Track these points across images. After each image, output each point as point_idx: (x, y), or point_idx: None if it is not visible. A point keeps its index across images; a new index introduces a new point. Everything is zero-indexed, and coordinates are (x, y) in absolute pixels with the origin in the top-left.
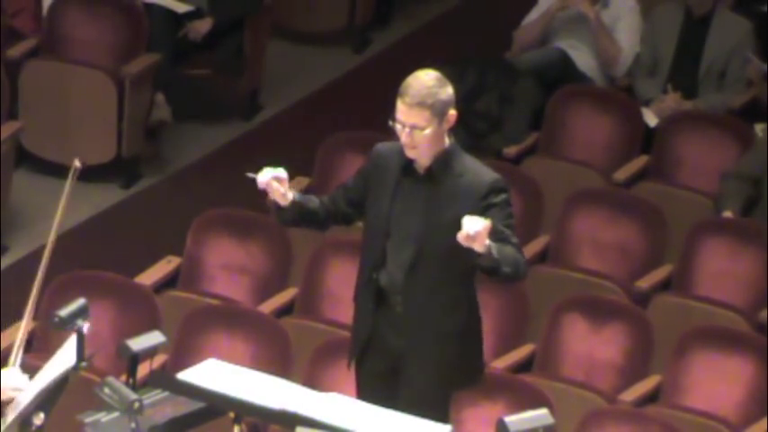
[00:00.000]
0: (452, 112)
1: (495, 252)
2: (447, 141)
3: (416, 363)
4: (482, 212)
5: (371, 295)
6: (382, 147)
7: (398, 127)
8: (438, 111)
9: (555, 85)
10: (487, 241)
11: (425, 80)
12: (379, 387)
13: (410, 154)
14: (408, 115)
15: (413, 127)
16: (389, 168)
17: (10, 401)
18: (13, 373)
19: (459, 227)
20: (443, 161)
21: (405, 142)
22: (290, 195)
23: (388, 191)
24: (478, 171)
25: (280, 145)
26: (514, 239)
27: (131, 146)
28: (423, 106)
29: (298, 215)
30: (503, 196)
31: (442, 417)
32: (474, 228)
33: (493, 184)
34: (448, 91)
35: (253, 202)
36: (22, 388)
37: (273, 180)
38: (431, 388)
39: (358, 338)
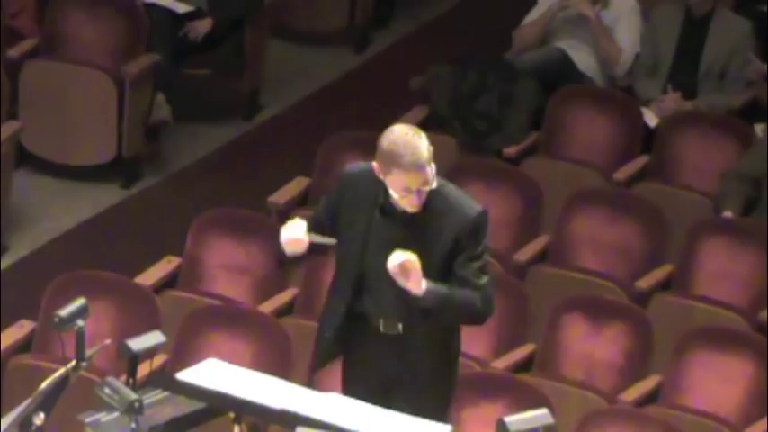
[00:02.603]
0: (431, 149)
1: (432, 299)
2: None
3: (410, 386)
4: (457, 250)
5: (342, 321)
6: (353, 171)
7: (404, 194)
8: (431, 160)
9: (555, 85)
10: (425, 284)
11: (409, 139)
12: (372, 401)
13: (415, 210)
14: (414, 180)
15: (421, 187)
16: (363, 197)
17: None
18: None
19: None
20: (426, 203)
21: (414, 204)
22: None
23: (362, 223)
24: (462, 205)
25: (280, 145)
26: (481, 280)
27: (131, 146)
28: (426, 165)
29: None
30: (482, 230)
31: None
32: (394, 262)
33: (476, 220)
34: (424, 136)
35: (253, 203)
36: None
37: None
38: (428, 403)
39: (321, 358)
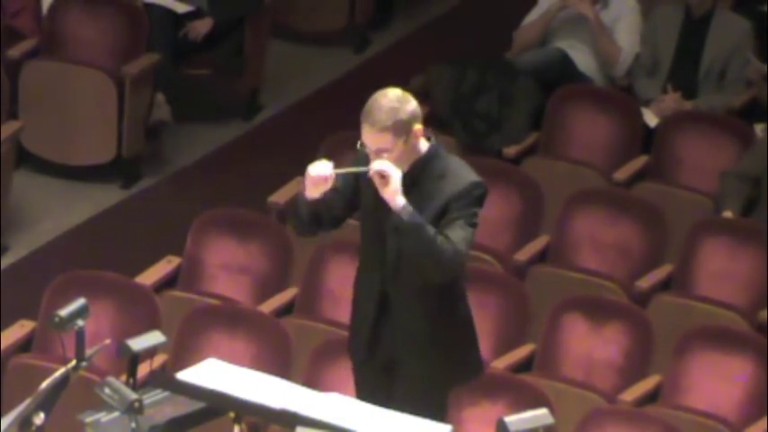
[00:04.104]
0: (417, 127)
1: (407, 217)
2: (424, 147)
3: (410, 360)
4: (446, 213)
5: (372, 297)
6: None
7: (366, 150)
8: (401, 130)
9: (555, 85)
10: (403, 201)
11: (384, 102)
12: (377, 381)
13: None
14: (372, 140)
15: (378, 151)
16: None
17: None
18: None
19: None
20: (422, 167)
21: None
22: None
23: (371, 197)
24: (459, 173)
25: (280, 145)
26: (457, 236)
27: (131, 146)
28: (385, 130)
29: (318, 210)
30: (473, 197)
31: (438, 412)
32: (375, 166)
33: (469, 186)
34: (409, 108)
35: (253, 203)
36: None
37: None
38: (425, 385)
39: (360, 339)
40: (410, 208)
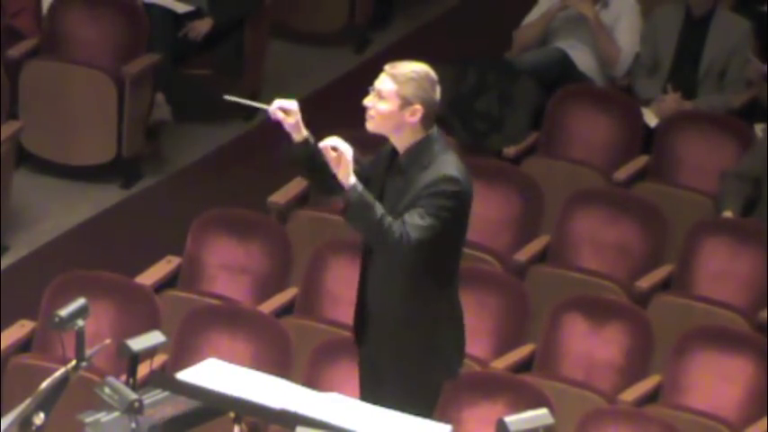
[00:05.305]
0: (417, 107)
1: (355, 197)
2: (418, 134)
3: (381, 348)
4: (417, 200)
5: (361, 280)
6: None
7: (371, 89)
8: (404, 93)
9: (555, 85)
10: (354, 180)
11: (415, 66)
12: (369, 372)
13: (368, 123)
14: (380, 80)
15: (377, 92)
16: (383, 162)
17: None
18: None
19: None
20: (413, 154)
21: (366, 103)
22: (305, 132)
23: (378, 183)
24: (441, 166)
25: (280, 145)
26: (413, 219)
27: (131, 146)
28: (394, 79)
29: (308, 158)
30: (441, 189)
31: (423, 408)
32: (328, 142)
33: (439, 179)
34: (425, 87)
35: (253, 203)
36: None
37: (279, 110)
38: (399, 376)
39: (354, 319)
40: (360, 187)
